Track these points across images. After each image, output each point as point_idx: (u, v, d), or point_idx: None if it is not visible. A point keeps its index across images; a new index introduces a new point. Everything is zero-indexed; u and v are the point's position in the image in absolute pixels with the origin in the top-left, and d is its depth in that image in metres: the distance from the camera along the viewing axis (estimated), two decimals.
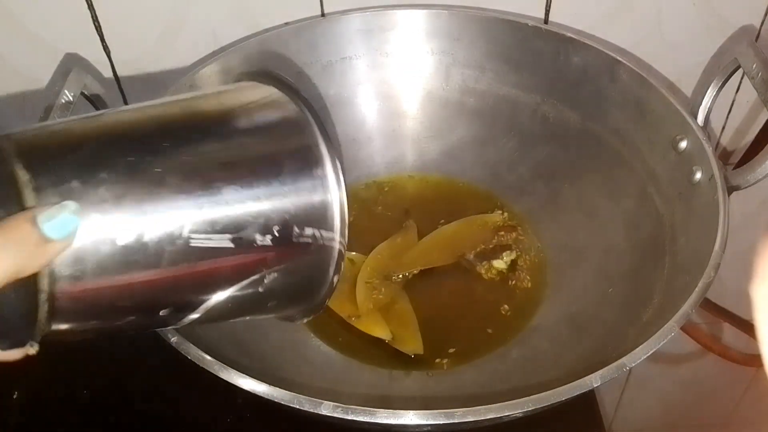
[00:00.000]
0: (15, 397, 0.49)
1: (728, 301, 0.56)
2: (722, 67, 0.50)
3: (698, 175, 0.46)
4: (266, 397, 0.34)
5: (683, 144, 0.47)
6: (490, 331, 0.50)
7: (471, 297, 0.52)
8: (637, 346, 0.36)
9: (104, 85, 0.50)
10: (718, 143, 0.66)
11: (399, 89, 0.59)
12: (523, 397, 0.34)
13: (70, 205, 0.24)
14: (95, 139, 0.27)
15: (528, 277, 0.53)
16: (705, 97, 0.50)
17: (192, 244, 0.27)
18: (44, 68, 0.54)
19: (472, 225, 0.56)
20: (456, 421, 0.33)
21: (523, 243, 0.55)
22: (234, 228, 0.28)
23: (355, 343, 0.49)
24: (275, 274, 0.30)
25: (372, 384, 0.47)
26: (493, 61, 0.57)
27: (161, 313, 0.28)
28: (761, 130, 0.64)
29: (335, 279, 0.32)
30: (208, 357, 0.35)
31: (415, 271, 0.53)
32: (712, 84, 0.50)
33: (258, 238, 0.28)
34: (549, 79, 0.56)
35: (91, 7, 0.53)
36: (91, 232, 0.24)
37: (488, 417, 0.33)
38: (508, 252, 0.54)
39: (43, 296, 0.24)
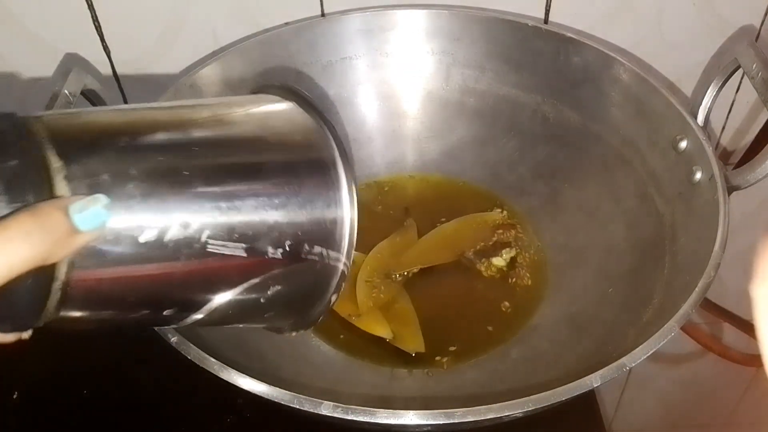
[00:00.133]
0: (15, 397, 0.49)
1: (728, 301, 0.56)
2: (722, 67, 0.50)
3: (698, 175, 0.46)
4: (266, 397, 0.34)
5: (683, 144, 0.47)
6: (490, 328, 0.50)
7: (471, 295, 0.52)
8: (637, 346, 0.36)
9: (104, 85, 0.50)
10: (718, 143, 0.66)
11: (399, 89, 0.59)
12: (523, 397, 0.34)
13: (102, 198, 0.24)
14: (127, 134, 0.27)
15: (528, 275, 0.53)
16: (705, 97, 0.50)
17: (208, 249, 0.27)
18: (44, 68, 0.54)
19: (472, 223, 0.56)
20: (456, 421, 0.33)
21: (522, 241, 0.55)
22: (249, 238, 0.28)
23: (356, 342, 0.49)
24: (279, 287, 0.30)
25: (372, 384, 0.47)
26: (494, 61, 0.57)
27: (165, 312, 0.29)
28: (761, 130, 0.64)
29: (333, 298, 0.33)
30: (208, 357, 0.35)
31: (415, 270, 0.53)
32: (712, 84, 0.50)
33: (270, 250, 0.29)
34: (549, 79, 0.56)
35: (91, 7, 0.53)
36: (114, 226, 0.25)
37: (488, 417, 0.33)
38: (507, 249, 0.54)
39: (57, 284, 0.24)
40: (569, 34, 0.54)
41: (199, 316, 0.30)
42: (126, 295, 0.27)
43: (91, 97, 0.48)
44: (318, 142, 0.32)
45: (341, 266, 0.32)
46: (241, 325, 0.36)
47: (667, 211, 0.48)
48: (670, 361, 0.57)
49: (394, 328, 0.50)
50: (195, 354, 0.36)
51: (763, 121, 0.63)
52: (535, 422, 0.37)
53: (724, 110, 0.63)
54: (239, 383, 0.35)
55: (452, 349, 0.49)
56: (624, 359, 0.35)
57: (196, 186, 0.27)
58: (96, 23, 0.54)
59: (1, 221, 0.22)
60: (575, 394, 0.34)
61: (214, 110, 0.32)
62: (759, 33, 0.58)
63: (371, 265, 0.53)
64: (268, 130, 0.32)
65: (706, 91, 0.50)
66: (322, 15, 0.56)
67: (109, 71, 0.57)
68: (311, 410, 0.33)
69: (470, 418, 0.33)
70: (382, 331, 0.49)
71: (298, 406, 0.34)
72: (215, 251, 0.27)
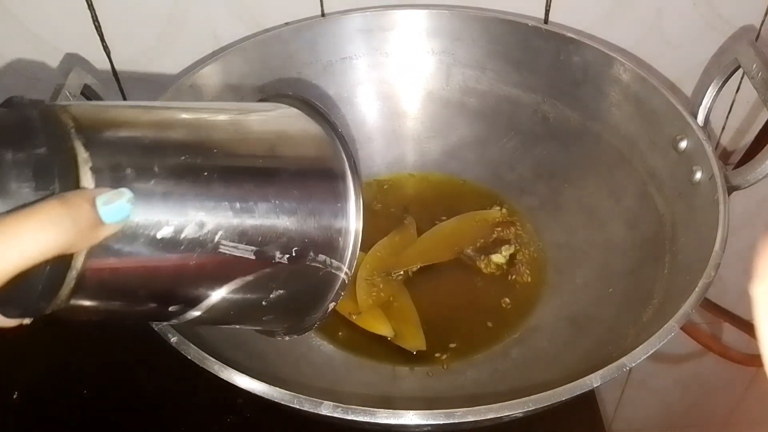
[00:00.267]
0: (15, 397, 0.49)
1: (728, 301, 0.56)
2: (722, 67, 0.50)
3: (698, 175, 0.46)
4: (266, 397, 0.34)
5: (683, 144, 0.47)
6: (490, 324, 0.50)
7: (471, 292, 0.52)
8: (637, 346, 0.36)
9: (104, 85, 0.50)
10: (718, 143, 0.66)
11: (399, 89, 0.59)
12: (523, 397, 0.34)
13: (127, 192, 0.24)
14: (151, 130, 0.28)
15: (528, 272, 0.53)
16: (705, 97, 0.50)
17: (220, 250, 0.28)
18: (44, 68, 0.54)
19: (471, 221, 0.56)
20: (456, 421, 0.33)
21: (522, 238, 0.55)
22: (259, 242, 0.29)
23: (357, 341, 0.49)
24: (281, 291, 0.31)
25: (373, 383, 0.47)
26: (494, 61, 0.57)
27: (171, 308, 0.29)
28: (761, 130, 0.64)
29: (331, 306, 0.34)
30: (209, 357, 0.35)
31: (415, 268, 0.53)
32: (712, 84, 0.50)
33: (277, 255, 0.30)
34: (549, 78, 0.56)
35: (91, 7, 0.53)
36: (134, 221, 0.25)
37: (488, 417, 0.33)
38: (506, 246, 0.54)
39: (73, 273, 0.24)
40: (569, 34, 0.54)
41: (202, 313, 0.30)
42: (137, 288, 0.27)
43: (91, 96, 0.48)
44: (329, 154, 0.33)
45: (342, 275, 0.33)
46: (238, 326, 0.37)
47: (667, 211, 0.48)
48: (670, 361, 0.57)
49: (394, 326, 0.50)
50: (195, 354, 0.36)
51: (763, 121, 0.63)
52: (535, 422, 0.37)
53: (724, 110, 0.63)
54: (239, 383, 0.35)
55: (452, 346, 0.49)
56: (624, 359, 0.35)
57: (215, 187, 0.28)
58: (96, 23, 0.54)
59: (33, 207, 0.22)
60: (575, 394, 0.34)
61: (232, 115, 0.32)
62: (759, 33, 0.58)
63: (371, 264, 0.53)
64: (283, 139, 0.33)
65: (706, 91, 0.50)
66: (322, 15, 0.56)
67: (109, 71, 0.57)
68: (311, 410, 0.33)
69: (470, 418, 0.33)
70: (383, 329, 0.49)
71: (298, 406, 0.34)
72: (226, 252, 0.28)
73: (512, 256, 0.54)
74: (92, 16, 0.53)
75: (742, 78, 0.59)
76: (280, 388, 0.34)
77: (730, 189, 0.45)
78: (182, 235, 0.26)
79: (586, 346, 0.46)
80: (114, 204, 0.24)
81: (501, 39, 0.56)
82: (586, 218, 0.54)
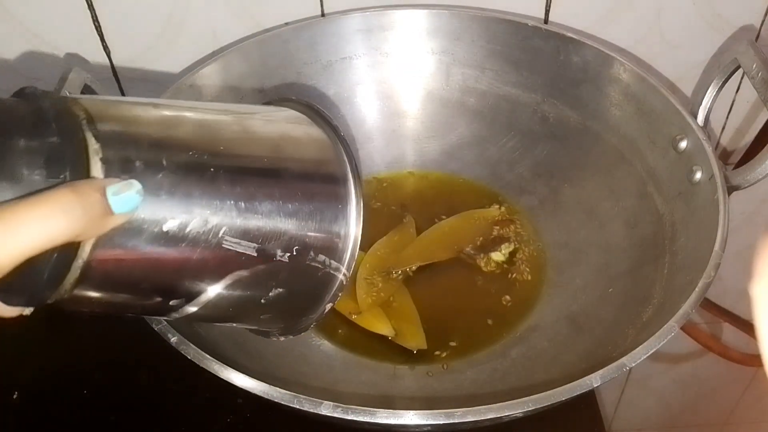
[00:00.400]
0: (15, 397, 0.49)
1: (728, 301, 0.56)
2: (722, 67, 0.50)
3: (698, 175, 0.46)
4: (266, 397, 0.34)
5: (683, 144, 0.47)
6: (490, 322, 0.50)
7: (471, 290, 0.52)
8: (637, 346, 0.36)
9: (104, 85, 0.50)
10: (718, 143, 0.66)
11: (399, 89, 0.59)
12: (523, 397, 0.34)
13: (136, 184, 0.24)
14: (160, 126, 0.28)
15: (527, 269, 0.53)
16: (705, 97, 0.50)
17: (223, 245, 0.28)
18: (44, 68, 0.54)
19: (470, 219, 0.56)
20: (456, 421, 0.33)
21: (521, 236, 0.55)
22: (262, 239, 0.29)
23: (357, 340, 0.49)
24: (280, 289, 0.32)
25: (373, 382, 0.47)
26: (494, 60, 0.57)
27: (172, 302, 0.29)
28: (761, 130, 0.64)
29: (328, 307, 0.34)
30: (208, 357, 0.35)
31: (414, 267, 0.53)
32: (712, 84, 0.50)
33: (279, 253, 0.30)
34: (549, 78, 0.56)
35: (91, 7, 0.53)
36: (140, 213, 0.25)
37: (488, 417, 0.33)
38: (506, 244, 0.54)
39: (78, 262, 0.24)
40: (569, 34, 0.54)
41: (202, 309, 0.30)
42: (139, 281, 0.27)
43: None
44: (332, 157, 0.34)
45: (341, 276, 0.33)
46: (235, 324, 0.37)
47: (667, 211, 0.48)
48: (670, 360, 0.57)
49: (395, 325, 0.50)
50: (195, 354, 0.36)
51: (763, 121, 0.63)
52: (535, 422, 0.37)
53: (724, 110, 0.63)
54: (239, 383, 0.35)
55: (452, 344, 0.49)
56: (624, 359, 0.35)
57: (221, 184, 0.28)
58: (96, 23, 0.54)
59: (44, 194, 0.22)
60: (575, 394, 0.34)
61: (237, 115, 0.33)
62: (759, 33, 0.58)
63: (371, 263, 0.53)
64: (287, 140, 0.33)
65: (706, 91, 0.50)
66: (322, 15, 0.56)
67: (109, 71, 0.57)
68: (311, 410, 0.33)
69: (470, 418, 0.33)
70: (383, 328, 0.49)
71: (297, 406, 0.34)
72: (229, 247, 0.28)
73: (512, 254, 0.54)
74: (92, 16, 0.53)
75: (742, 78, 0.59)
76: (279, 388, 0.34)
77: (730, 189, 0.45)
78: (187, 230, 0.27)
79: (586, 346, 0.46)
80: (124, 194, 0.24)
81: (500, 39, 0.56)
82: (585, 218, 0.54)
